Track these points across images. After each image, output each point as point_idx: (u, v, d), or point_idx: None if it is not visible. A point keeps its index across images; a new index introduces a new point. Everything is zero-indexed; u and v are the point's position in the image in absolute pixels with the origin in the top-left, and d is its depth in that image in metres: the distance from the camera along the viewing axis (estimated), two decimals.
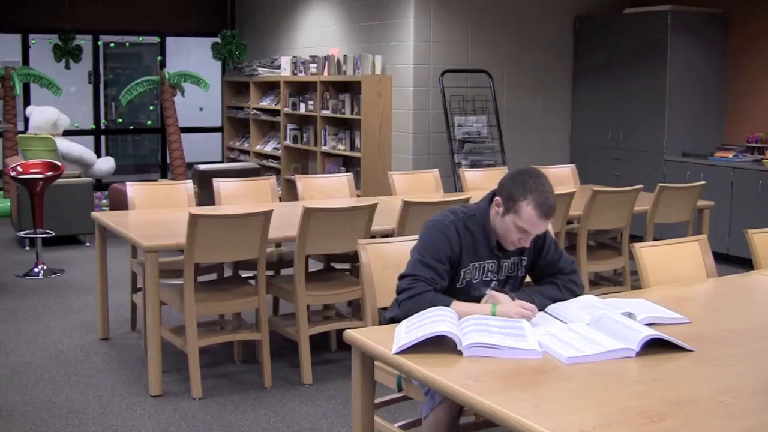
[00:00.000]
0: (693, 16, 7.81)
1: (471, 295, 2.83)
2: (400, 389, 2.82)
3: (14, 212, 7.67)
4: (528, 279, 3.02)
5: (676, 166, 7.67)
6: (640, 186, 5.31)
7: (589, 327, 2.47)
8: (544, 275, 2.95)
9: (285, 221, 4.41)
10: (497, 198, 2.77)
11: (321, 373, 4.42)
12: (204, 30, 10.89)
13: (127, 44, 12.09)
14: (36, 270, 6.58)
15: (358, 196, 6.14)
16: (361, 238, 3.97)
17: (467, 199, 4.50)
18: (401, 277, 2.76)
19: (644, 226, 5.38)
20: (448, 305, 2.63)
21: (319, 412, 3.96)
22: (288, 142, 9.26)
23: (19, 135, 8.75)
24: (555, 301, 2.81)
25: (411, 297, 2.67)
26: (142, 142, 13.13)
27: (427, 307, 2.60)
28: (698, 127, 7.94)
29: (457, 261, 2.80)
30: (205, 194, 6.14)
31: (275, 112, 9.57)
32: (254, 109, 9.95)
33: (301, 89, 9.12)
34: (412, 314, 2.58)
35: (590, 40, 8.53)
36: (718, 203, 6.15)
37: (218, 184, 5.02)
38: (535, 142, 8.52)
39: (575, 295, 2.86)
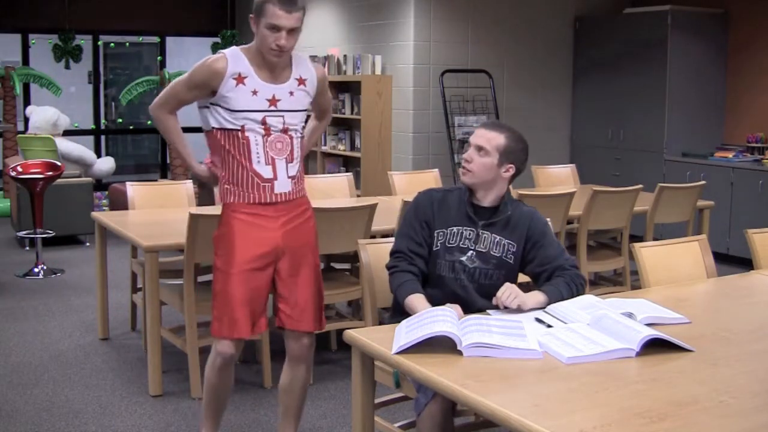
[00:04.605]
0: (693, 15, 7.81)
1: (446, 259, 2.89)
2: (397, 386, 2.83)
3: (14, 212, 7.67)
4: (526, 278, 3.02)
5: (676, 166, 7.67)
6: (640, 186, 5.32)
7: (589, 327, 2.47)
8: (543, 269, 2.90)
9: None
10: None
11: (321, 373, 4.42)
12: (204, 30, 10.89)
13: (127, 44, 12.09)
14: (36, 270, 6.58)
15: (358, 196, 6.14)
16: (361, 238, 3.97)
17: None
18: (390, 254, 2.97)
19: (644, 226, 5.38)
20: (405, 296, 2.80)
21: (319, 412, 3.96)
22: None
23: (19, 135, 8.75)
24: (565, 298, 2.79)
25: (392, 274, 2.90)
26: (142, 142, 13.13)
27: (394, 290, 2.87)
28: (698, 127, 7.94)
29: (431, 222, 2.91)
30: (205, 194, 6.13)
31: None
32: None
33: None
34: (393, 289, 2.88)
35: (590, 40, 8.53)
36: (718, 203, 6.15)
37: None
38: (535, 142, 8.42)
39: (581, 290, 2.85)
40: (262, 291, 3.14)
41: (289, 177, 3.09)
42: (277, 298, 3.19)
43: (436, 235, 2.91)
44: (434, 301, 2.74)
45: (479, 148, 2.89)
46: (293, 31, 2.96)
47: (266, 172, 3.05)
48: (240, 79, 3.00)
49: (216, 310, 3.13)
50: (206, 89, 3.03)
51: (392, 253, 2.94)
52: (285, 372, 3.29)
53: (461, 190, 2.96)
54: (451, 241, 2.89)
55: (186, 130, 3.28)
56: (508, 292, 2.69)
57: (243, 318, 3.08)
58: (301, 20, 2.98)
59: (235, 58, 3.03)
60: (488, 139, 2.89)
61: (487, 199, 2.93)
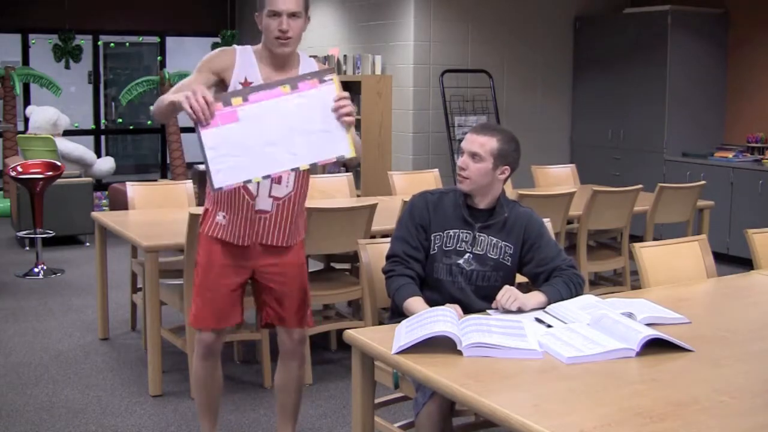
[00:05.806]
0: (693, 15, 7.81)
1: (444, 262, 2.89)
2: (396, 386, 2.83)
3: (14, 212, 7.67)
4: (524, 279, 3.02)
5: (676, 166, 7.67)
6: (640, 186, 5.32)
7: (589, 327, 2.47)
8: (541, 270, 2.91)
9: None
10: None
11: (321, 373, 4.42)
12: (204, 30, 10.89)
13: (127, 44, 12.09)
14: (36, 270, 6.58)
15: (358, 196, 6.14)
16: (361, 238, 3.97)
17: None
18: (386, 258, 2.95)
19: (644, 226, 5.38)
20: (403, 300, 2.79)
21: (319, 412, 3.96)
22: None
23: (19, 135, 8.75)
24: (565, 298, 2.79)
25: (389, 278, 2.90)
26: (142, 142, 13.12)
27: (392, 294, 2.86)
28: (698, 127, 7.94)
29: (427, 226, 2.91)
30: (205, 194, 6.12)
31: None
32: None
33: None
34: (391, 293, 2.87)
35: (590, 40, 8.53)
36: (718, 203, 6.15)
37: None
38: (535, 142, 8.50)
39: (580, 290, 2.86)
40: (236, 286, 3.14)
41: (270, 196, 3.01)
42: (261, 297, 3.20)
43: (432, 238, 2.91)
44: (432, 305, 2.74)
45: (473, 155, 2.89)
46: (294, 16, 2.92)
47: (253, 187, 2.99)
48: (246, 84, 2.96)
49: (192, 301, 3.19)
50: (215, 74, 2.97)
51: (388, 257, 2.94)
52: (279, 369, 3.29)
53: (456, 192, 2.96)
54: (448, 244, 2.89)
55: (185, 130, 3.27)
56: (507, 295, 2.69)
57: (210, 311, 3.12)
58: (302, 6, 2.94)
59: (243, 50, 3.02)
60: (481, 144, 2.89)
61: (483, 202, 2.93)
